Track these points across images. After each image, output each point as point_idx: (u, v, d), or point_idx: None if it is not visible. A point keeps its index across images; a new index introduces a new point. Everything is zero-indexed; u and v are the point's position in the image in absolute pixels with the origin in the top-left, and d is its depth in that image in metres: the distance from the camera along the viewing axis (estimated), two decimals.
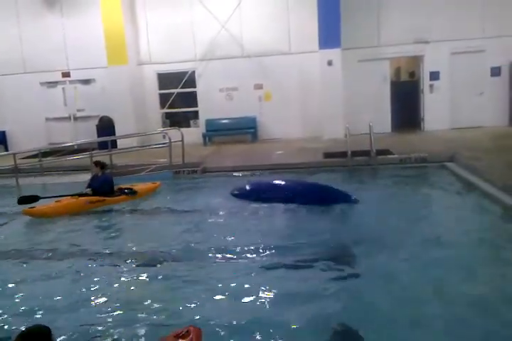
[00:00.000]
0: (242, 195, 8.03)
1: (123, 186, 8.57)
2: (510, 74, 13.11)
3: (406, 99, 13.96)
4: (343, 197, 7.27)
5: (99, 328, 3.87)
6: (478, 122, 13.31)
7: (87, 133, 14.17)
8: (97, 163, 8.36)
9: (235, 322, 3.83)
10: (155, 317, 4.01)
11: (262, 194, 7.81)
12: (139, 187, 8.70)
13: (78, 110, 15.31)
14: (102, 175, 8.24)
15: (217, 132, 14.48)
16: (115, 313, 4.13)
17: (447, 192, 7.68)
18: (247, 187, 8.29)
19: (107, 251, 5.87)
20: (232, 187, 8.38)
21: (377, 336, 3.56)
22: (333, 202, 7.21)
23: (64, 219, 7.36)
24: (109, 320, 4.01)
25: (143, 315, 4.04)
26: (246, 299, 4.26)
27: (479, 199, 7.03)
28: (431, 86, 13.55)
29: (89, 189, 8.06)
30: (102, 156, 10.88)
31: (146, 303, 4.28)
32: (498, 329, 3.55)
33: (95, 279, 4.94)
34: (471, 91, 13.37)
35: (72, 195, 7.90)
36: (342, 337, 3.69)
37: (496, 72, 13.28)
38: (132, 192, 8.23)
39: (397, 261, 4.90)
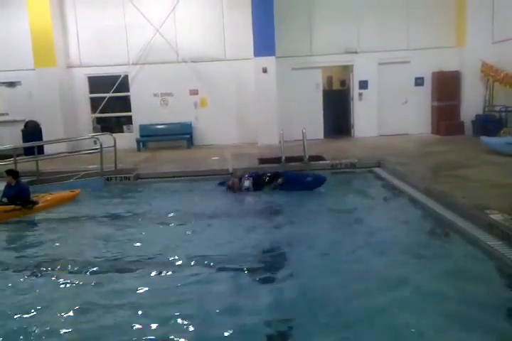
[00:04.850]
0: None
1: (40, 195, 8.22)
2: (433, 84, 13.95)
3: (337, 106, 14.48)
4: (315, 180, 8.31)
5: None
6: (404, 130, 14.06)
7: (12, 139, 13.39)
8: (9, 172, 7.87)
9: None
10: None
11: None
12: (55, 195, 8.34)
13: (2, 114, 14.50)
14: (16, 184, 7.80)
15: (151, 138, 14.25)
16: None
17: (374, 196, 8.02)
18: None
19: (26, 262, 5.58)
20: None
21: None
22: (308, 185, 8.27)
23: None
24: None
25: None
26: (182, 309, 4.18)
27: (403, 202, 7.39)
28: (360, 94, 14.13)
29: (5, 198, 7.64)
30: (28, 163, 10.39)
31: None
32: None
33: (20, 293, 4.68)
34: (397, 100, 14.10)
35: None
36: None
37: (419, 82, 14.10)
38: (29, 207, 7.79)
39: (326, 261, 5.04)
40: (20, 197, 7.69)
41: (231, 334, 3.70)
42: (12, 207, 7.55)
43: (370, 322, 3.76)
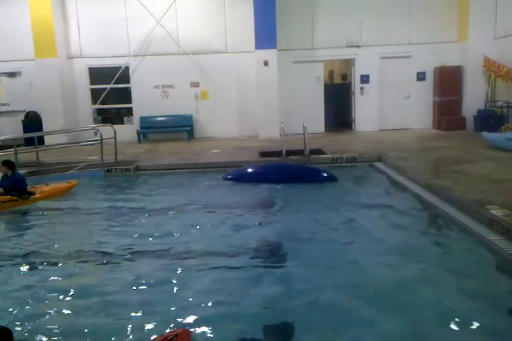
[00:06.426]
0: (234, 178, 8.90)
1: (37, 186, 8.19)
2: (435, 79, 13.91)
3: (338, 100, 14.47)
4: (323, 176, 8.62)
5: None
6: (405, 124, 14.04)
7: (12, 129, 13.38)
8: (5, 163, 7.81)
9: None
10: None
11: (252, 176, 8.85)
12: (52, 186, 8.29)
13: (2, 104, 14.47)
14: (12, 175, 7.75)
15: (152, 130, 14.22)
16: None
17: (374, 190, 8.02)
18: (239, 171, 9.11)
19: (20, 253, 5.58)
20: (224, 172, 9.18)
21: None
22: (314, 179, 8.55)
23: None
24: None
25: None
26: (179, 299, 4.21)
27: (403, 196, 7.38)
28: (361, 88, 14.09)
29: (1, 189, 7.60)
30: (29, 153, 10.39)
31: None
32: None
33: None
34: (399, 95, 14.06)
35: None
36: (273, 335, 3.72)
37: (421, 76, 14.05)
38: (25, 197, 7.74)
39: (327, 257, 5.05)
40: (16, 187, 7.66)
41: (231, 327, 3.72)
42: (8, 197, 7.52)
43: (368, 315, 3.78)
